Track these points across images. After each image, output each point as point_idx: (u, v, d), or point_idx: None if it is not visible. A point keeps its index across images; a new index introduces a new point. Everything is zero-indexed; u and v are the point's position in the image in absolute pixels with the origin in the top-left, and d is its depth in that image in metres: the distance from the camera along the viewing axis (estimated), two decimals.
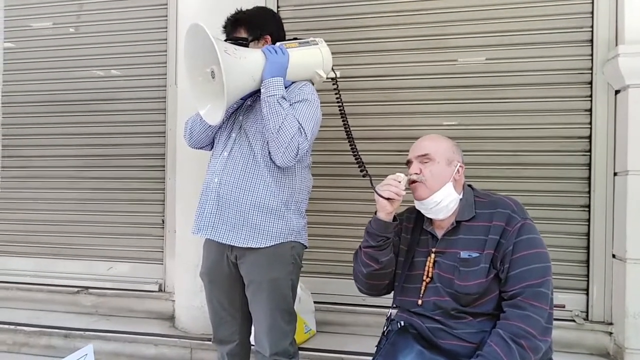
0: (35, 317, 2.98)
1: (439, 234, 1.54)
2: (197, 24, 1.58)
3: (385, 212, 1.49)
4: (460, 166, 1.54)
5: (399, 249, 1.62)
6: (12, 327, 2.83)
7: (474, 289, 1.43)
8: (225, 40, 1.76)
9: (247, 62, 1.65)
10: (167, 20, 3.06)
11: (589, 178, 2.48)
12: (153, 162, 3.11)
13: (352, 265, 1.65)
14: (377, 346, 1.58)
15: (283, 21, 1.97)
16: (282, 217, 1.71)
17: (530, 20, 2.54)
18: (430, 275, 1.52)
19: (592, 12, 2.47)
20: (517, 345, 1.33)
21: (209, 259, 1.83)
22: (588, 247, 2.48)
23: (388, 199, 1.48)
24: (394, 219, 1.53)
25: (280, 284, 1.72)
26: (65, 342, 2.75)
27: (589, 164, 2.48)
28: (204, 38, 1.55)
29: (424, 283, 1.53)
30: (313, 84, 1.82)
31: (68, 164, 3.27)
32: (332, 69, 1.84)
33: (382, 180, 1.52)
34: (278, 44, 1.76)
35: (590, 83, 2.48)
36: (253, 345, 1.84)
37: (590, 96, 2.48)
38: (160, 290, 3.02)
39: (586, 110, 2.50)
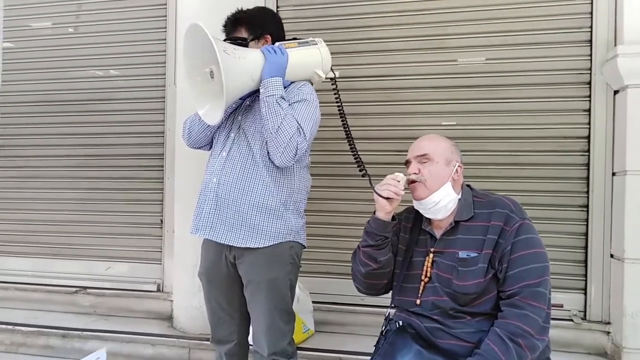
0: (33, 317, 2.98)
1: (438, 233, 1.55)
2: (196, 23, 1.58)
3: (384, 211, 1.50)
4: (459, 166, 1.54)
5: (397, 249, 1.62)
6: (9, 327, 2.82)
7: (472, 288, 1.43)
8: (225, 40, 1.76)
9: (246, 62, 1.65)
10: (166, 20, 3.06)
11: (588, 178, 2.49)
12: (152, 162, 3.11)
13: (351, 265, 1.65)
14: (375, 346, 1.58)
15: (282, 21, 1.97)
16: (280, 217, 1.71)
17: (530, 21, 2.55)
18: (428, 275, 1.53)
19: (591, 13, 2.47)
20: (515, 344, 1.33)
21: (207, 259, 1.83)
22: (586, 247, 2.49)
23: (387, 198, 1.48)
24: (393, 218, 1.53)
25: (279, 284, 1.72)
26: (63, 342, 2.75)
27: (588, 164, 2.49)
28: (203, 38, 1.55)
29: (423, 283, 1.53)
30: (312, 84, 1.82)
31: (66, 164, 3.26)
32: (331, 69, 1.84)
33: (381, 180, 1.52)
34: (277, 44, 1.76)
35: (589, 83, 2.49)
36: (251, 345, 1.83)
37: (589, 96, 2.49)
38: (158, 290, 3.02)
39: (585, 111, 2.50)
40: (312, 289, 2.67)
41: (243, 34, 1.83)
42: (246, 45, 1.78)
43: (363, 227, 1.56)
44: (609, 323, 2.41)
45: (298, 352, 1.85)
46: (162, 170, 3.06)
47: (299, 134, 1.64)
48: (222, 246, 1.74)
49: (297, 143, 1.63)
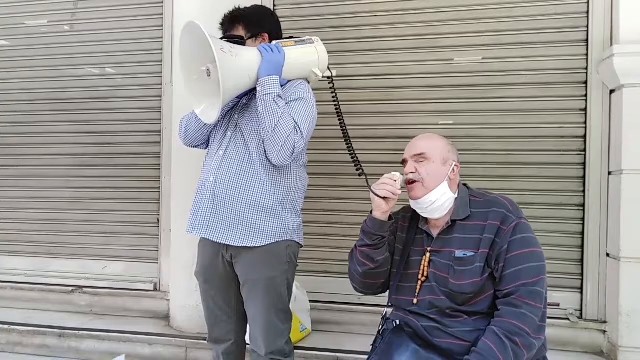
0: (29, 316, 2.97)
1: (434, 233, 1.55)
2: (192, 21, 1.57)
3: (381, 211, 1.50)
4: (455, 165, 1.55)
5: (394, 248, 1.62)
6: (6, 326, 2.81)
7: (469, 287, 1.43)
8: (222, 38, 1.76)
9: (243, 61, 1.65)
10: (162, 18, 3.05)
11: (584, 177, 2.49)
12: (148, 161, 3.10)
13: (348, 264, 1.65)
14: (372, 345, 1.58)
15: (279, 19, 1.97)
16: (277, 216, 1.71)
17: (526, 20, 2.55)
18: (425, 274, 1.53)
19: (588, 12, 2.48)
20: (511, 342, 1.34)
21: (204, 258, 1.82)
22: (582, 246, 2.49)
23: (384, 198, 1.48)
24: (390, 217, 1.54)
25: (276, 283, 1.72)
26: (60, 341, 2.74)
27: (584, 163, 2.49)
28: (199, 36, 1.54)
29: (420, 282, 1.53)
30: (309, 83, 1.82)
31: (62, 163, 3.25)
32: (328, 67, 1.84)
33: (378, 179, 1.52)
34: (274, 42, 1.76)
35: (585, 83, 2.49)
36: (248, 344, 1.84)
37: (585, 96, 2.49)
38: (155, 289, 3.01)
39: (581, 110, 2.51)
40: (309, 288, 2.67)
41: (240, 32, 1.84)
42: (243, 44, 1.78)
43: (360, 226, 1.56)
44: (605, 322, 2.42)
45: (295, 351, 1.85)
46: (159, 169, 3.05)
47: (295, 133, 1.64)
48: (219, 245, 1.74)
49: (294, 142, 1.63)
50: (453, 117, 2.66)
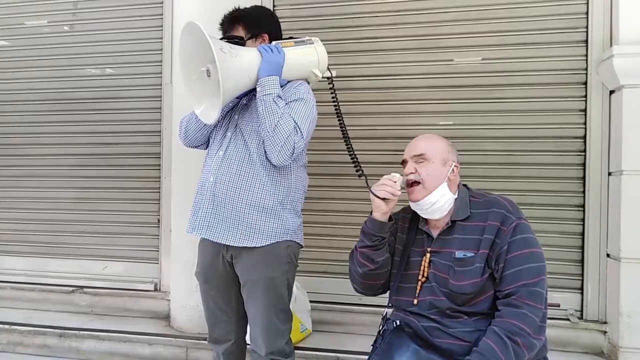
0: (30, 316, 2.97)
1: (434, 233, 1.55)
2: (192, 22, 1.57)
3: (381, 212, 1.50)
4: (455, 166, 1.55)
5: (394, 249, 1.62)
6: (6, 326, 2.81)
7: (469, 288, 1.43)
8: (222, 39, 1.76)
9: (243, 61, 1.65)
10: (162, 18, 3.05)
11: (584, 178, 2.49)
12: (148, 161, 3.10)
13: (348, 265, 1.65)
14: (373, 345, 1.58)
15: (279, 20, 1.97)
16: (277, 217, 1.71)
17: (526, 21, 2.55)
18: (425, 274, 1.53)
19: (587, 13, 2.48)
20: (513, 342, 1.34)
21: (204, 258, 1.83)
22: (583, 247, 2.49)
23: (383, 199, 1.48)
24: (390, 218, 1.54)
25: (276, 283, 1.72)
26: (60, 341, 2.74)
27: (584, 164, 2.49)
28: (199, 36, 1.55)
29: (420, 282, 1.53)
30: (309, 83, 1.82)
31: (63, 163, 3.25)
32: (328, 68, 1.84)
33: (378, 180, 1.52)
34: (274, 42, 1.76)
35: (585, 83, 2.49)
36: (249, 345, 1.84)
37: (585, 96, 2.49)
38: (155, 289, 3.01)
39: (581, 111, 2.51)
40: (310, 289, 2.67)
41: (240, 32, 1.84)
42: (243, 44, 1.78)
43: (360, 227, 1.56)
44: (605, 322, 2.42)
45: (295, 351, 1.85)
46: (159, 169, 3.05)
47: (295, 133, 1.64)
48: (219, 245, 1.74)
49: (294, 142, 1.63)
50: (453, 117, 2.66)
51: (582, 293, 2.50)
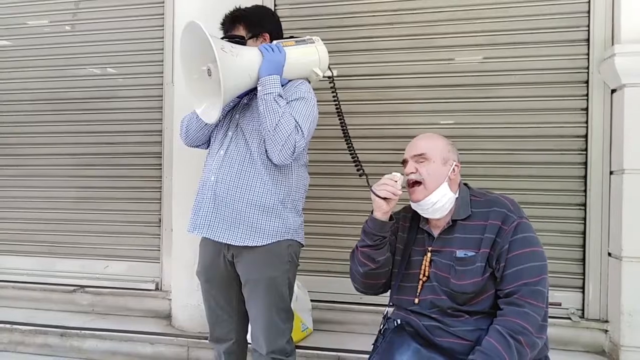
0: (31, 315, 2.97)
1: (435, 232, 1.55)
2: (193, 21, 1.57)
3: (382, 211, 1.50)
4: (456, 165, 1.54)
5: (395, 248, 1.62)
6: (8, 325, 2.82)
7: (470, 287, 1.43)
8: (223, 38, 1.76)
9: (244, 60, 1.65)
10: (163, 18, 3.05)
11: (585, 177, 2.49)
12: (150, 161, 3.10)
13: (349, 264, 1.65)
14: (373, 344, 1.58)
15: (280, 19, 1.97)
16: (278, 216, 1.71)
17: (527, 20, 2.55)
18: (426, 274, 1.53)
19: (589, 12, 2.47)
20: (515, 341, 1.34)
21: (205, 258, 1.83)
22: (584, 246, 2.49)
23: (384, 198, 1.48)
24: (391, 218, 1.54)
25: (277, 283, 1.72)
26: (62, 340, 2.75)
27: (585, 163, 2.49)
28: (200, 36, 1.54)
29: (421, 282, 1.53)
30: (309, 82, 1.82)
31: (64, 163, 3.25)
32: (329, 67, 1.84)
33: (379, 179, 1.52)
34: (275, 42, 1.76)
35: (587, 82, 2.49)
36: (250, 344, 1.84)
37: (587, 95, 2.49)
38: (156, 288, 3.01)
39: (582, 109, 2.50)
40: (311, 288, 2.67)
41: (241, 32, 1.84)
42: (244, 44, 1.78)
43: (361, 226, 1.56)
44: (606, 321, 2.42)
45: (297, 350, 1.85)
46: (160, 168, 3.06)
47: (296, 132, 1.64)
48: (220, 245, 1.74)
49: (295, 141, 1.63)
50: (453, 116, 2.66)
51: (583, 292, 2.49)
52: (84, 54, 3.21)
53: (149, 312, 2.97)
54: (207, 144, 1.90)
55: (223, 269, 1.78)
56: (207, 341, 1.95)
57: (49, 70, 3.28)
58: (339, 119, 1.75)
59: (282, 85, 1.70)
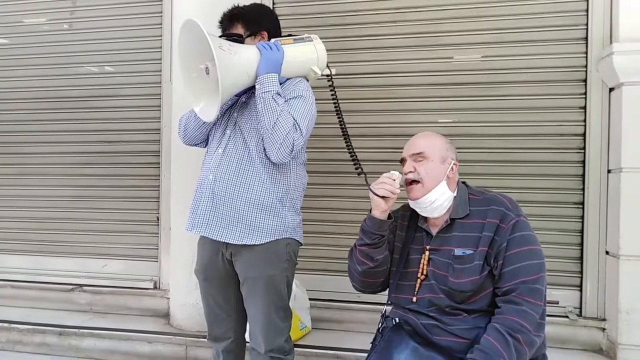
0: (29, 314, 2.97)
1: (434, 231, 1.55)
2: (191, 19, 1.57)
3: (380, 210, 1.50)
4: (454, 164, 1.54)
5: (393, 247, 1.62)
6: (5, 324, 2.82)
7: (468, 285, 1.43)
8: (221, 36, 1.76)
9: (242, 59, 1.64)
10: (162, 16, 3.04)
11: (583, 175, 2.49)
12: (148, 159, 3.10)
13: (347, 262, 1.65)
14: (372, 343, 1.58)
15: (278, 17, 1.96)
16: (277, 214, 1.71)
17: (526, 18, 2.55)
18: (424, 272, 1.53)
19: (587, 10, 2.47)
20: (514, 339, 1.34)
21: (203, 256, 1.83)
22: (582, 244, 2.50)
23: (383, 197, 1.48)
24: (389, 216, 1.54)
25: (276, 281, 1.72)
26: (60, 339, 2.74)
27: (583, 161, 2.49)
28: (198, 34, 1.54)
29: (419, 280, 1.53)
30: (308, 81, 1.82)
31: (62, 161, 3.25)
32: (328, 65, 1.84)
33: (377, 177, 1.52)
34: (273, 40, 1.76)
35: (585, 81, 2.49)
36: (248, 342, 1.84)
37: (585, 94, 2.49)
38: (155, 287, 3.01)
39: (580, 108, 2.51)
40: (309, 286, 2.67)
41: (239, 30, 1.83)
42: (242, 42, 1.78)
43: (359, 225, 1.56)
44: (604, 319, 2.42)
45: (295, 349, 1.85)
46: (159, 167, 3.05)
47: (295, 130, 1.63)
48: (218, 243, 1.74)
49: (294, 139, 1.63)
50: (453, 115, 2.66)
51: (581, 290, 2.50)
52: (82, 53, 3.20)
53: (147, 311, 2.97)
54: (206, 142, 1.89)
55: (221, 268, 1.78)
56: (205, 340, 1.96)
57: (46, 68, 3.27)
58: (338, 118, 1.75)
59: (281, 84, 1.70)
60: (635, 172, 2.28)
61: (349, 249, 1.65)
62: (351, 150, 1.66)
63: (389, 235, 1.57)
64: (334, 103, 1.77)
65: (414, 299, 1.53)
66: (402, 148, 1.61)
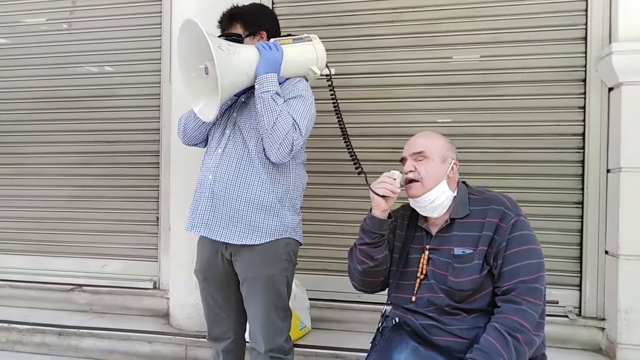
0: (29, 314, 2.97)
1: (433, 230, 1.55)
2: (190, 19, 1.57)
3: (380, 209, 1.50)
4: (454, 164, 1.55)
5: (393, 246, 1.62)
6: (5, 324, 2.81)
7: (468, 285, 1.43)
8: (220, 36, 1.76)
9: (241, 58, 1.64)
10: (161, 16, 3.04)
11: (582, 175, 2.49)
12: (147, 159, 3.10)
13: (347, 262, 1.65)
14: (372, 342, 1.58)
15: (277, 17, 1.96)
16: (276, 214, 1.71)
17: (525, 18, 2.55)
18: (424, 272, 1.53)
19: (586, 10, 2.47)
20: (513, 338, 1.34)
21: (203, 256, 1.83)
22: (581, 244, 2.50)
23: (383, 196, 1.48)
24: (389, 216, 1.54)
25: (275, 281, 1.72)
26: (59, 339, 2.74)
27: (582, 161, 2.49)
28: (197, 34, 1.54)
29: (418, 280, 1.53)
30: (307, 81, 1.82)
31: (61, 161, 3.24)
32: (327, 65, 1.84)
33: (377, 177, 1.52)
34: (272, 40, 1.76)
35: (584, 80, 2.49)
36: (248, 342, 1.84)
37: (584, 94, 2.49)
38: (154, 287, 3.01)
39: (580, 108, 2.51)
40: (309, 286, 2.67)
41: (238, 30, 1.83)
42: (241, 42, 1.77)
43: (359, 225, 1.56)
44: (603, 319, 2.43)
45: (295, 348, 1.85)
46: (158, 167, 3.05)
47: (294, 130, 1.63)
48: (218, 243, 1.74)
49: (293, 139, 1.63)
50: (452, 115, 2.66)
51: (580, 290, 2.50)
52: (81, 52, 3.20)
53: (146, 311, 2.97)
54: (205, 142, 1.89)
55: (221, 268, 1.78)
56: (205, 340, 1.96)
57: (45, 68, 3.26)
58: (337, 117, 1.75)
59: (280, 84, 1.70)
60: (635, 172, 2.28)
61: (348, 248, 1.65)
62: (351, 150, 1.66)
63: (389, 234, 1.58)
64: (333, 103, 1.77)
65: (413, 299, 1.53)
66: (401, 148, 1.61)
